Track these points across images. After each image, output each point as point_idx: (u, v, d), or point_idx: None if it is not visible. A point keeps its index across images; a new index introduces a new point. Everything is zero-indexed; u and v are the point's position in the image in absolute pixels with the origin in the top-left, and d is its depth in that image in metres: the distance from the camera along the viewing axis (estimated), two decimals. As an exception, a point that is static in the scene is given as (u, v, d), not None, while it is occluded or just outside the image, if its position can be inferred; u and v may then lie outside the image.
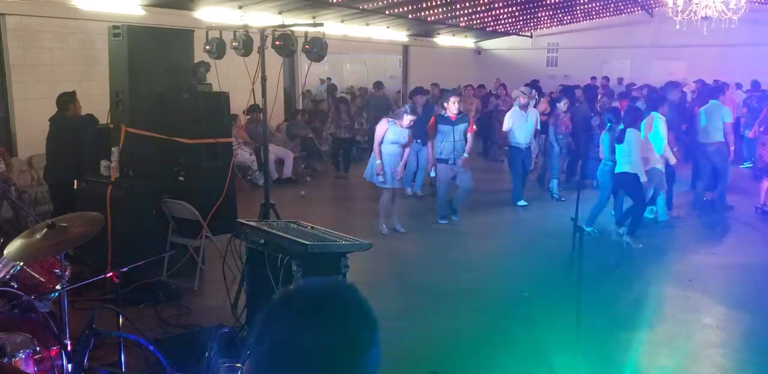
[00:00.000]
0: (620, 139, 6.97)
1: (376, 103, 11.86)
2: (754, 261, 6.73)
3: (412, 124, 7.46)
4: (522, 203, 9.07)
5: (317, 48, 5.88)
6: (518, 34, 22.02)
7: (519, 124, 8.90)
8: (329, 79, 16.22)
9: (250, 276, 4.55)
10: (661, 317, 5.23)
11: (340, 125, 11.18)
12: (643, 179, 7.00)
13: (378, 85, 12.52)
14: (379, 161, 7.32)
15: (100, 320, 3.17)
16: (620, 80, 19.13)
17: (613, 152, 7.10)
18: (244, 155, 10.32)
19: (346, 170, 11.49)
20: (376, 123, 10.82)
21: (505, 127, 9.02)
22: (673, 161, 7.74)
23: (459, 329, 4.93)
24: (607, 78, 18.46)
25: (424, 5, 14.20)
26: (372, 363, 1.10)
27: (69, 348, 3.22)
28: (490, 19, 18.05)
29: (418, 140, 8.89)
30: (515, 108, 9.17)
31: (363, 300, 1.14)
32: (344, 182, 11.33)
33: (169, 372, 3.33)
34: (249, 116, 10.63)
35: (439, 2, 14.04)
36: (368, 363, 1.09)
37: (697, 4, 14.50)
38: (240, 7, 11.17)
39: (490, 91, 15.61)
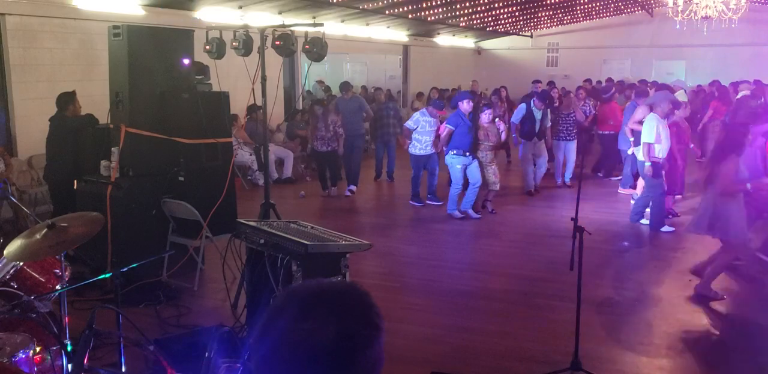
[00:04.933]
0: None
1: (345, 106, 10.20)
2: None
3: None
4: (667, 228, 7.70)
5: (317, 48, 5.88)
6: (518, 34, 22.01)
7: (665, 135, 7.44)
8: (321, 82, 16.14)
9: (250, 276, 4.55)
10: (660, 317, 5.23)
11: (317, 135, 9.51)
12: None
13: (345, 86, 10.62)
14: None
15: (100, 320, 3.16)
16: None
17: None
18: (244, 155, 10.33)
19: (333, 184, 9.90)
20: (349, 129, 9.74)
21: (652, 138, 7.37)
22: None
23: (459, 329, 4.93)
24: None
25: (424, 5, 14.19)
26: (369, 363, 1.10)
27: (69, 348, 3.21)
28: (490, 19, 18.04)
29: (468, 154, 8.21)
30: (656, 116, 7.51)
31: (368, 303, 1.14)
32: (342, 182, 10.28)
33: (169, 372, 3.33)
34: (249, 116, 10.63)
35: (439, 2, 14.03)
36: (365, 361, 1.09)
37: (697, 4, 14.50)
38: (240, 7, 11.17)
39: (481, 94, 14.98)
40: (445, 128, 8.35)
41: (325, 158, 9.67)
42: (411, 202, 9.23)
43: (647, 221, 7.87)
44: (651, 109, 7.79)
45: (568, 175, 10.44)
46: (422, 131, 8.92)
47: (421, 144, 8.99)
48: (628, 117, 9.36)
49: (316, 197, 9.95)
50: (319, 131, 9.42)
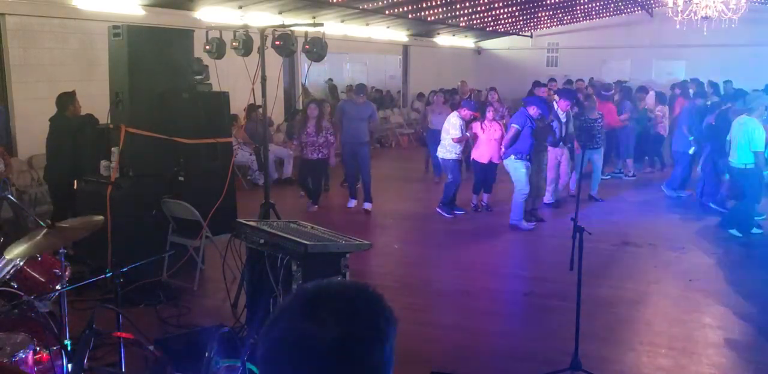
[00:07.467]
0: None
1: (355, 111, 8.87)
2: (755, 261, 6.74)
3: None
4: (756, 231, 7.46)
5: (317, 48, 5.88)
6: (518, 34, 22.00)
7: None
8: (330, 79, 16.19)
9: (250, 276, 4.55)
10: (661, 317, 5.23)
11: (306, 141, 8.42)
12: None
13: (360, 89, 9.28)
14: None
15: (100, 320, 3.17)
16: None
17: None
18: (244, 155, 10.33)
19: (316, 201, 8.89)
20: (354, 136, 8.67)
21: (762, 146, 7.05)
22: None
23: (459, 329, 4.93)
24: None
25: (424, 5, 14.19)
26: (370, 367, 1.09)
27: (69, 348, 3.21)
28: (490, 19, 18.03)
29: (529, 158, 7.68)
30: (756, 120, 7.13)
31: (376, 305, 1.13)
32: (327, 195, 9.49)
33: (169, 372, 3.33)
34: (249, 116, 10.63)
35: (439, 2, 14.03)
36: (365, 366, 1.08)
37: (697, 4, 14.48)
38: (240, 7, 11.17)
39: (471, 93, 14.69)
40: (512, 128, 7.68)
41: (314, 166, 8.60)
42: (439, 210, 8.54)
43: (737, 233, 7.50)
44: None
45: (595, 187, 9.47)
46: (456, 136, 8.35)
47: (455, 149, 8.41)
48: (685, 116, 9.16)
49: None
50: (309, 136, 8.37)
